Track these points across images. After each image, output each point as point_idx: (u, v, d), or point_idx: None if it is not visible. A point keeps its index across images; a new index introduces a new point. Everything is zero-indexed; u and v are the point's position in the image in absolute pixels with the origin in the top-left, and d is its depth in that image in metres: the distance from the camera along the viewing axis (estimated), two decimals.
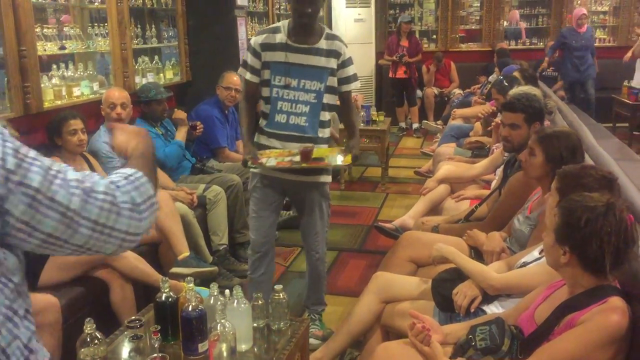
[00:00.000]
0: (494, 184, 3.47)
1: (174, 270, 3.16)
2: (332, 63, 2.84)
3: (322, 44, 2.83)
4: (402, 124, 8.62)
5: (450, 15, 9.45)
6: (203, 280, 3.09)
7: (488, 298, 2.19)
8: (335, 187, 5.84)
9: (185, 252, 3.21)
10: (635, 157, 5.22)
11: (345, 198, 5.64)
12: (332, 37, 2.86)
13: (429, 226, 3.12)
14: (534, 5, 9.52)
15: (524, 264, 2.16)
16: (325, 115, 2.93)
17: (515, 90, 3.95)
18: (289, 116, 2.84)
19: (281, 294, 2.18)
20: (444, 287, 2.24)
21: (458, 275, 2.29)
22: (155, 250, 3.29)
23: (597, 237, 1.59)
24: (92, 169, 3.33)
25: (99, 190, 1.07)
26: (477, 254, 2.64)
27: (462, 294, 2.16)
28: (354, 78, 2.97)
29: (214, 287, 2.09)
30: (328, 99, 2.90)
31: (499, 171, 3.41)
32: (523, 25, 9.51)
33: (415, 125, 8.41)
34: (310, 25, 2.79)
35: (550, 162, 2.37)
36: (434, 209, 3.68)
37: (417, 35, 9.30)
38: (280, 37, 2.82)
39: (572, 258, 1.64)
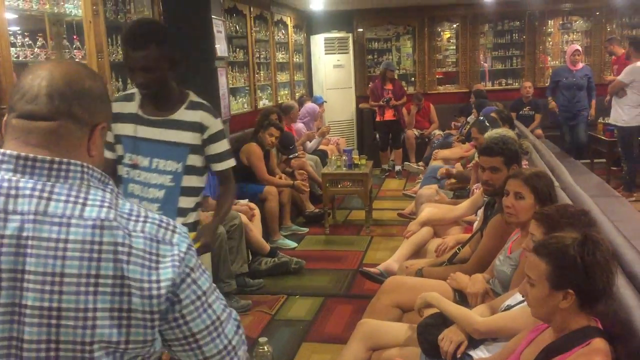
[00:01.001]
0: (476, 225, 3.51)
1: None
2: (196, 138, 2.37)
3: (182, 114, 2.35)
4: (385, 166, 8.70)
5: (427, 59, 9.68)
6: None
7: (474, 343, 2.19)
8: (320, 231, 5.85)
9: None
10: (613, 193, 5.32)
11: (330, 242, 5.64)
12: (197, 106, 2.38)
13: (412, 270, 3.13)
14: (508, 47, 9.79)
15: (508, 307, 2.17)
16: (187, 201, 2.42)
17: (490, 134, 4.05)
18: (141, 202, 2.36)
19: (266, 347, 2.15)
20: (429, 332, 2.24)
21: (443, 321, 2.29)
22: None
23: (599, 267, 1.61)
24: None
25: (237, 318, 1.23)
26: (462, 296, 2.65)
27: (448, 339, 2.16)
28: (227, 155, 2.49)
29: None
30: (190, 181, 2.41)
31: (480, 212, 3.46)
32: (487, 66, 9.75)
33: (398, 167, 8.49)
34: (161, 94, 2.34)
35: (540, 202, 2.41)
36: (418, 252, 3.69)
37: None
38: (132, 106, 2.38)
39: (573, 299, 1.62)
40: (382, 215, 6.35)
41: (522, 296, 1.72)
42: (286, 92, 8.50)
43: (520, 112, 8.42)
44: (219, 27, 5.07)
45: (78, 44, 3.88)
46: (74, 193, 1.06)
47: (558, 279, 1.63)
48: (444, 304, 2.31)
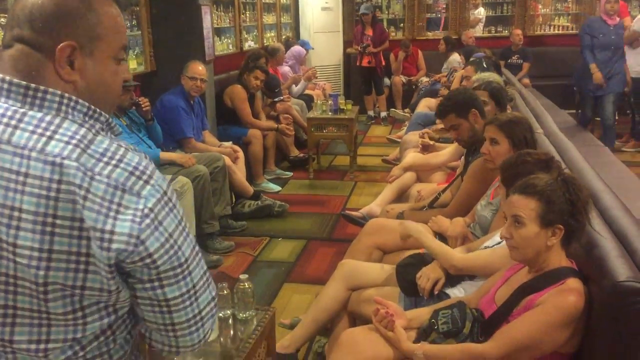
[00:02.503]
0: (458, 171, 3.52)
1: None
2: None
3: None
4: (371, 113, 8.64)
5: (417, 3, 9.49)
6: None
7: (452, 281, 2.23)
8: (304, 176, 5.85)
9: None
10: (596, 142, 5.35)
11: (313, 187, 5.65)
12: None
13: (394, 213, 3.15)
14: None
15: (486, 248, 2.19)
16: None
17: (477, 76, 4.02)
18: None
19: (247, 284, 2.17)
20: (408, 272, 2.27)
21: (422, 260, 2.33)
22: None
23: (582, 203, 1.69)
24: None
25: (213, 291, 1.16)
26: (442, 239, 2.67)
27: (426, 276, 2.19)
28: None
29: None
30: None
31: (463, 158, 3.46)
32: (481, 16, 9.55)
33: (383, 114, 8.44)
34: None
35: (516, 147, 2.42)
36: (401, 196, 3.71)
37: (385, 24, 9.33)
38: None
39: (560, 234, 1.68)
40: (366, 161, 6.35)
41: (506, 239, 1.73)
42: (272, 34, 8.32)
43: (509, 61, 8.37)
44: None
45: None
46: (43, 124, 1.00)
47: (549, 215, 1.67)
48: (425, 237, 2.34)
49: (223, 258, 3.95)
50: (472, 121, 2.91)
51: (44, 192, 0.96)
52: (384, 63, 8.36)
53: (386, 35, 8.38)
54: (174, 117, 4.44)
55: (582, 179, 2.23)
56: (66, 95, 1.03)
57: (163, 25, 4.84)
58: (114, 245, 0.98)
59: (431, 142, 4.29)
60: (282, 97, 6.35)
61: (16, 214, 0.96)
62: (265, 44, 7.70)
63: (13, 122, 1.00)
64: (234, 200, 4.70)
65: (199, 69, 4.50)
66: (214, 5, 6.11)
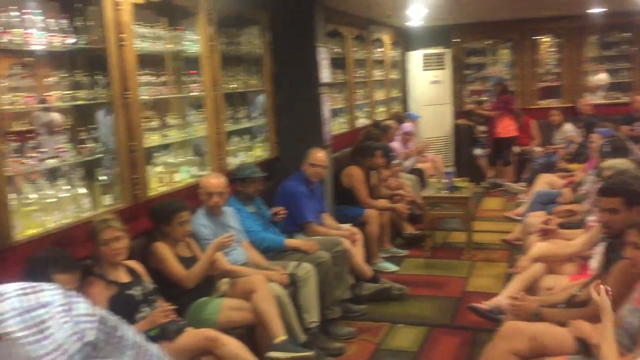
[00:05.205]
0: (593, 263, 3.37)
1: (272, 354, 3.22)
2: None
3: None
4: (485, 183, 8.58)
5: (528, 72, 9.36)
6: None
7: None
8: (419, 254, 5.80)
9: (281, 336, 3.27)
10: None
11: (430, 267, 5.57)
12: None
13: (528, 309, 3.02)
14: (615, 60, 9.28)
15: None
16: None
17: (607, 164, 3.87)
18: None
19: None
20: None
21: None
22: (251, 333, 3.37)
23: None
24: (192, 250, 3.50)
25: None
26: (583, 346, 2.55)
27: None
28: None
29: None
30: None
31: (599, 249, 3.31)
32: (604, 81, 9.24)
33: (507, 184, 8.34)
34: None
35: None
36: (530, 289, 3.58)
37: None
38: None
39: None
40: (482, 238, 6.19)
41: None
42: (383, 109, 8.51)
43: (632, 128, 7.98)
44: (323, 54, 5.16)
45: (195, 77, 4.09)
46: None
47: None
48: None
49: (346, 346, 3.96)
50: (632, 216, 2.77)
51: None
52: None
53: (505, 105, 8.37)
54: (295, 202, 4.61)
55: None
56: None
57: (285, 113, 5.12)
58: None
59: (554, 228, 4.15)
60: (397, 160, 6.50)
61: None
62: (376, 119, 7.87)
63: None
64: (352, 283, 4.74)
65: (319, 156, 4.68)
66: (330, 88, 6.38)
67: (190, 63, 4.13)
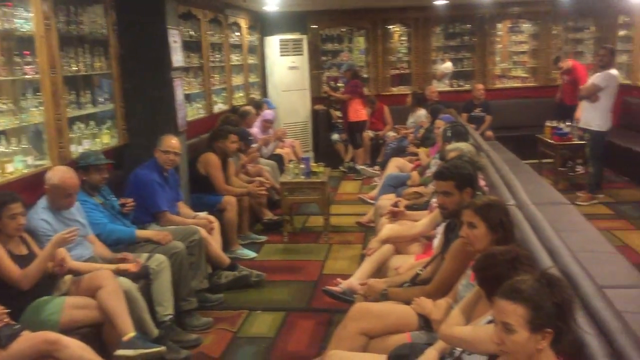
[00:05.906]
0: (435, 242, 3.58)
1: (119, 352, 3.07)
2: None
3: None
4: (342, 168, 8.84)
5: (381, 60, 9.76)
6: None
7: None
8: (278, 239, 5.85)
9: (130, 333, 3.11)
10: (564, 200, 5.48)
11: (288, 251, 5.64)
12: None
13: (376, 290, 3.15)
14: (459, 50, 9.98)
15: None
16: None
17: (449, 147, 4.14)
18: None
19: None
20: None
21: (413, 350, 2.34)
22: (99, 332, 3.18)
23: (567, 302, 1.73)
24: (28, 247, 3.22)
25: None
26: (425, 321, 2.70)
27: None
28: None
29: None
30: None
31: (440, 229, 3.52)
32: (448, 69, 9.88)
33: (360, 167, 8.64)
34: None
35: (492, 230, 2.49)
36: (380, 269, 3.73)
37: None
38: None
39: (550, 338, 1.70)
40: (340, 221, 6.38)
41: (498, 344, 1.76)
42: (241, 94, 8.42)
43: (472, 114, 8.62)
44: (175, 37, 4.96)
45: (29, 59, 3.75)
46: None
47: (538, 320, 1.69)
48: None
49: (202, 337, 3.88)
50: (463, 197, 2.98)
51: None
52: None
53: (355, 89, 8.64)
54: (148, 192, 4.42)
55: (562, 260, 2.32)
56: None
57: (135, 98, 4.86)
58: None
59: (401, 210, 4.38)
60: (255, 144, 6.46)
61: None
62: (234, 105, 7.77)
63: None
64: (209, 271, 4.66)
65: (172, 142, 4.52)
66: (184, 72, 6.17)
67: (24, 43, 3.77)
